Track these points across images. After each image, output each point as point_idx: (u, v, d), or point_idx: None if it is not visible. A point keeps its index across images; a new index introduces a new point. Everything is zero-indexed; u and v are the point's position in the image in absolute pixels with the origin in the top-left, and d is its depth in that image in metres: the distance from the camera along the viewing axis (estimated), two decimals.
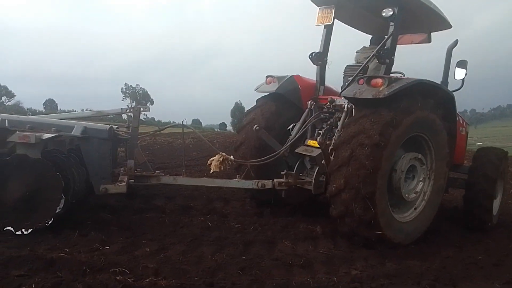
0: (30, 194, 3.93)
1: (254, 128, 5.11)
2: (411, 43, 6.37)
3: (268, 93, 5.68)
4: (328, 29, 5.75)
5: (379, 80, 4.40)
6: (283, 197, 5.14)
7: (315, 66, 5.83)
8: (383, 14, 4.97)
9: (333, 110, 5.40)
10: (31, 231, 3.94)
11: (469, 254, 4.63)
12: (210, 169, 4.92)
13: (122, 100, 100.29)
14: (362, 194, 4.13)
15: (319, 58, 5.75)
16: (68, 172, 4.33)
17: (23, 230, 3.93)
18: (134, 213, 5.01)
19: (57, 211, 4.07)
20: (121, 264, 3.35)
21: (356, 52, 6.05)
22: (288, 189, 5.04)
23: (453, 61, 5.66)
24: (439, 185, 5.06)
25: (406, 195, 4.71)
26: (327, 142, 4.87)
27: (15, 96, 78.38)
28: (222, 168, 4.89)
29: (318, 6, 5.50)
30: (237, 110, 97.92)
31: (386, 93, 4.25)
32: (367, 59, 5.33)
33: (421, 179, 4.89)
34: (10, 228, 3.92)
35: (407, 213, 4.84)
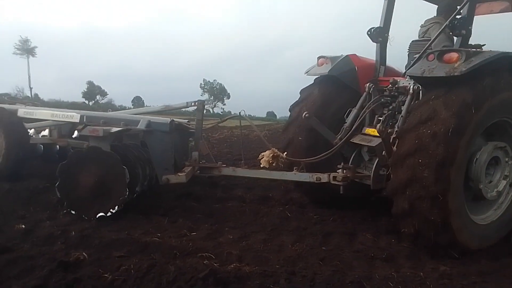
0: (98, 184, 4.20)
1: (303, 115, 4.57)
2: (491, 13, 5.53)
3: (319, 76, 5.09)
4: (390, 0, 5.04)
5: (454, 55, 3.65)
6: (341, 193, 4.45)
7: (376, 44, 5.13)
8: None
9: (396, 93, 4.71)
10: (98, 216, 4.22)
11: None
12: (261, 164, 4.73)
13: (201, 95, 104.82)
14: (431, 191, 3.47)
15: (379, 34, 5.03)
16: (135, 164, 4.64)
17: (86, 215, 4.21)
18: (216, 202, 5.25)
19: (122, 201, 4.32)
20: (207, 249, 3.55)
21: (421, 26, 5.27)
22: (346, 184, 4.42)
23: None
24: None
25: (486, 193, 3.97)
26: (389, 130, 4.25)
27: (107, 94, 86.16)
28: (274, 164, 4.66)
29: None
30: None
31: (464, 69, 3.49)
32: (439, 31, 4.48)
33: (506, 173, 4.11)
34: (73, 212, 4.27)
35: (487, 214, 4.13)
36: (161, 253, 3.42)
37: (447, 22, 4.31)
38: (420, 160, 3.53)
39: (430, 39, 4.57)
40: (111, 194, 4.24)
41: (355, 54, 5.08)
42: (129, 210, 4.51)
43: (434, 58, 3.76)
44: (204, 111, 5.28)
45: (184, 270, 2.99)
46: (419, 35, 5.25)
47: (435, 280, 3.22)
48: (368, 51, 5.30)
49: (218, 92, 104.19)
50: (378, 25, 5.03)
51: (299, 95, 5.22)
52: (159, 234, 3.90)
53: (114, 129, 4.41)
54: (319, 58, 5.04)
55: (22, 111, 5.41)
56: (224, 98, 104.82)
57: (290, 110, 5.26)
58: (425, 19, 5.23)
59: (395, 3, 5.06)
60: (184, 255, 3.41)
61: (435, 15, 5.20)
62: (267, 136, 13.63)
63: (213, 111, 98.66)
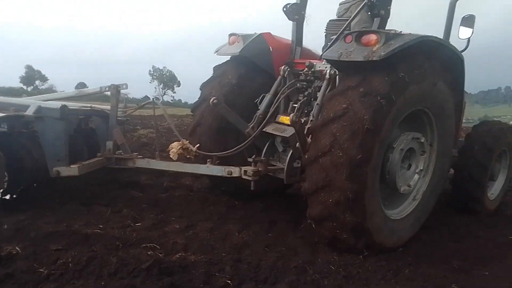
0: None
1: (211, 101, 4.00)
2: None
3: (230, 57, 4.58)
4: None
5: (373, 37, 3.29)
6: (252, 189, 4.01)
7: (291, 23, 4.66)
8: None
9: (312, 78, 4.30)
10: None
11: (500, 233, 4.53)
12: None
13: (150, 83, 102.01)
14: (347, 192, 3.19)
15: (296, 11, 4.51)
16: (18, 152, 4.20)
17: None
18: (163, 191, 5.14)
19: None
20: (152, 239, 3.49)
21: (340, 4, 4.89)
22: (257, 179, 3.99)
23: (458, 17, 4.82)
24: (441, 172, 4.18)
25: (400, 186, 3.76)
26: (303, 120, 3.88)
27: (48, 80, 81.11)
28: (187, 157, 4.28)
29: None
30: None
31: (383, 53, 3.15)
32: (356, 11, 4.15)
33: (418, 170, 3.97)
34: None
35: (402, 207, 3.97)
36: (102, 244, 3.30)
37: (365, 1, 3.88)
38: (334, 159, 3.21)
39: (348, 19, 4.24)
40: None
41: (269, 33, 4.60)
42: (69, 201, 4.30)
43: (352, 40, 3.39)
44: (120, 96, 4.90)
45: (126, 261, 2.92)
46: (338, 14, 4.90)
47: (373, 262, 3.39)
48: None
49: (168, 79, 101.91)
50: (295, 1, 4.55)
51: (212, 72, 4.71)
52: (101, 226, 3.76)
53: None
54: (230, 35, 4.51)
55: None
56: (174, 86, 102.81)
57: (201, 89, 4.69)
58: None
59: None
60: (127, 246, 3.32)
61: None
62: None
63: (162, 99, 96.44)
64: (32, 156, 4.30)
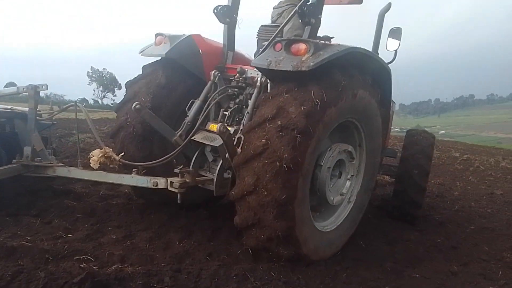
0: None
1: (133, 107, 3.71)
2: (340, 3, 5.38)
3: (157, 58, 4.31)
4: None
5: (302, 46, 3.22)
6: (178, 202, 3.72)
7: (222, 25, 4.52)
8: None
9: (243, 85, 4.17)
10: None
11: (430, 237, 4.84)
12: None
13: (89, 85, 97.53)
14: (276, 199, 3.05)
15: (227, 14, 4.39)
16: None
17: None
18: (99, 200, 4.89)
19: None
20: (86, 251, 3.30)
21: (274, 8, 4.78)
22: (184, 191, 3.71)
23: (386, 29, 4.94)
24: (369, 181, 4.22)
25: (331, 198, 3.75)
26: (233, 129, 3.81)
27: None
28: (109, 165, 4.00)
29: None
30: None
31: (311, 64, 3.08)
32: (287, 18, 4.09)
33: (349, 177, 3.99)
34: None
35: (331, 219, 3.95)
36: (30, 258, 3.06)
37: (296, 8, 3.82)
38: (265, 163, 3.08)
39: (280, 25, 4.15)
40: None
41: (199, 35, 4.37)
42: None
43: (281, 48, 3.30)
44: (39, 98, 4.42)
45: (56, 275, 2.72)
46: (271, 19, 4.78)
47: (312, 268, 3.47)
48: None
49: (108, 82, 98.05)
50: (226, 4, 4.44)
51: (141, 72, 4.41)
52: (29, 237, 3.50)
53: None
54: (157, 35, 4.23)
55: None
56: (115, 89, 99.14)
57: (126, 87, 4.37)
58: (280, 1, 4.79)
59: None
60: (58, 259, 3.11)
61: None
62: None
63: (101, 102, 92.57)
64: None
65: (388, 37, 4.87)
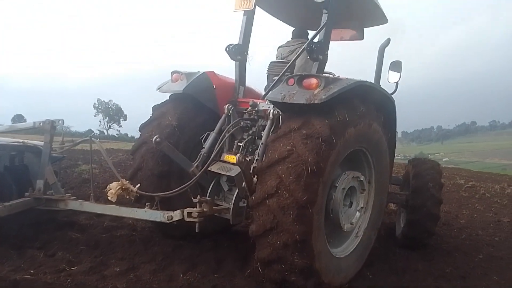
0: None
1: (153, 139, 4.00)
2: (341, 40, 5.68)
3: (172, 94, 4.59)
4: (249, 16, 4.84)
5: (313, 80, 3.47)
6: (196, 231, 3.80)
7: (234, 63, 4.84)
8: None
9: (256, 117, 4.43)
10: None
11: (438, 266, 4.75)
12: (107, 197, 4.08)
13: (95, 116, 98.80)
14: (294, 235, 3.17)
15: (238, 52, 4.75)
16: None
17: None
18: (103, 232, 4.88)
19: None
20: (89, 285, 3.28)
21: (280, 47, 5.17)
22: (202, 220, 3.81)
23: (387, 62, 5.21)
24: (376, 219, 4.33)
25: (343, 223, 3.82)
26: (248, 158, 3.96)
27: None
28: (127, 197, 4.13)
29: None
30: None
31: (323, 97, 3.30)
32: (297, 54, 4.46)
33: (359, 208, 4.10)
34: None
35: (345, 245, 4.06)
36: None
37: (305, 46, 4.21)
38: (281, 202, 3.20)
39: (289, 62, 4.52)
40: None
41: (213, 72, 4.66)
42: None
43: (294, 83, 3.55)
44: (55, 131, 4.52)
45: None
46: (277, 56, 5.15)
47: None
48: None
49: (113, 113, 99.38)
50: (238, 42, 4.81)
51: (152, 113, 4.63)
52: (32, 271, 3.48)
53: None
54: (173, 73, 4.53)
55: None
56: (121, 119, 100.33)
57: (140, 130, 4.59)
58: (287, 40, 5.20)
59: (254, 22, 4.92)
60: None
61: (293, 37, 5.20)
62: None
63: (107, 133, 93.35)
64: None
65: (389, 69, 5.11)
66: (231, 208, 3.97)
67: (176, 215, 3.83)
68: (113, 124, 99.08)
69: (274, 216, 3.22)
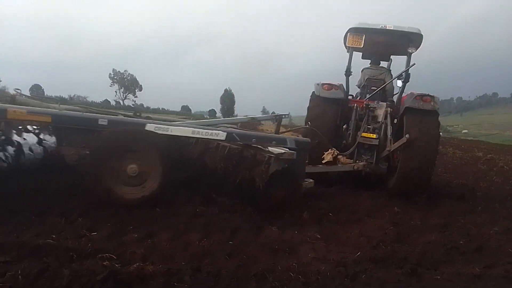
0: None
1: (306, 124, 7.12)
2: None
3: (316, 98, 7.33)
4: (353, 51, 7.69)
5: (428, 98, 6.51)
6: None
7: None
8: (409, 51, 7.26)
9: (366, 111, 7.25)
10: None
11: (451, 238, 4.74)
12: (323, 159, 6.56)
13: (110, 86, 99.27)
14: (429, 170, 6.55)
15: (348, 73, 7.76)
16: None
17: None
18: None
19: None
20: (108, 250, 3.36)
21: (365, 69, 8.27)
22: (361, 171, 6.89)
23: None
24: None
25: None
26: (376, 135, 7.03)
27: (0, 81, 76.84)
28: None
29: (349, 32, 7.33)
30: (227, 97, 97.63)
31: (437, 106, 6.54)
32: (393, 78, 7.85)
33: None
34: None
35: None
36: (55, 256, 3.14)
37: (400, 73, 7.57)
38: (426, 152, 6.47)
39: (381, 80, 8.00)
40: None
41: (341, 84, 7.47)
42: (20, 211, 4.09)
43: (420, 99, 6.55)
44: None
45: (80, 273, 2.81)
46: (369, 75, 8.13)
47: (332, 268, 3.46)
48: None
49: (129, 83, 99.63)
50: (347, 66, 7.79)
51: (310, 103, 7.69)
52: (54, 236, 3.58)
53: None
54: (325, 84, 7.21)
55: (152, 126, 4.53)
56: (136, 90, 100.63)
57: (308, 109, 7.68)
58: (370, 65, 8.37)
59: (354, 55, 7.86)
60: (82, 257, 3.17)
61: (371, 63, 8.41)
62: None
63: (123, 103, 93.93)
64: None
65: (397, 79, 7.77)
66: (373, 163, 7.11)
67: (359, 165, 6.75)
68: (129, 95, 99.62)
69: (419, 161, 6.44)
